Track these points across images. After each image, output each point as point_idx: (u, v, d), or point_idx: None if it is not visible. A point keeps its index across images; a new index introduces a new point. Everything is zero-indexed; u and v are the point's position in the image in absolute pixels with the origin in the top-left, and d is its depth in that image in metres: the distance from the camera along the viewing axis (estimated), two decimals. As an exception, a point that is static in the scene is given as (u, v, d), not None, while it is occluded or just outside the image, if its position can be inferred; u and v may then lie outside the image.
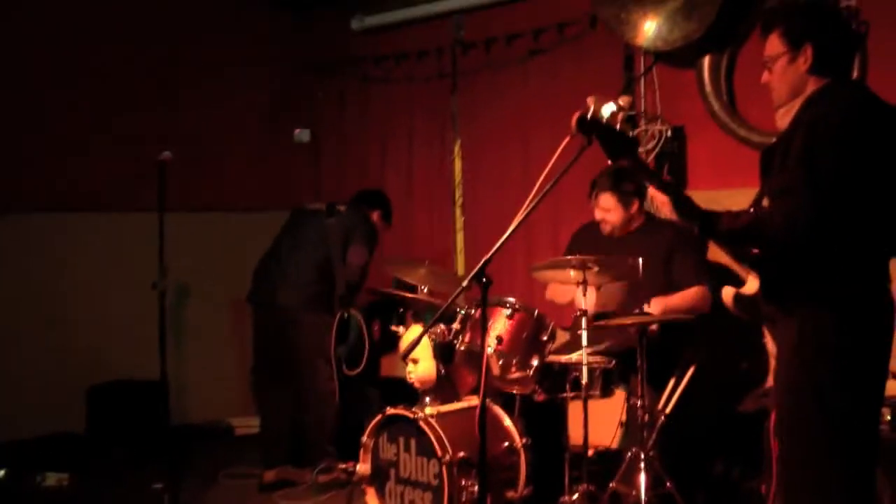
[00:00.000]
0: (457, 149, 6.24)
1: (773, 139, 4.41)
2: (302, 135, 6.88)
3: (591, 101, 2.88)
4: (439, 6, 6.13)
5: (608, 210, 4.49)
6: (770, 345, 4.27)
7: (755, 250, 2.97)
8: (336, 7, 6.68)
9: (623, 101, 2.93)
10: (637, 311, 4.19)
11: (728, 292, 3.09)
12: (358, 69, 6.62)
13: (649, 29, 4.87)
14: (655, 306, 4.19)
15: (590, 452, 4.13)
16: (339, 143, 6.79)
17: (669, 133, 5.06)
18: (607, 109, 2.88)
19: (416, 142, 6.37)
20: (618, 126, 2.89)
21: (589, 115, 2.85)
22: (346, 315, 5.18)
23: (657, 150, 5.06)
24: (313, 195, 6.79)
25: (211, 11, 6.45)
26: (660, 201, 2.96)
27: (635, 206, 4.50)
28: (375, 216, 5.38)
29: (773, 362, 3.72)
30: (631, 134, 2.94)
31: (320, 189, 6.88)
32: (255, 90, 6.71)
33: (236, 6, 6.53)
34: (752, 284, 3.06)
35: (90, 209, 5.93)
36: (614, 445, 4.41)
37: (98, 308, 5.95)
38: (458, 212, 6.26)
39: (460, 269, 6.15)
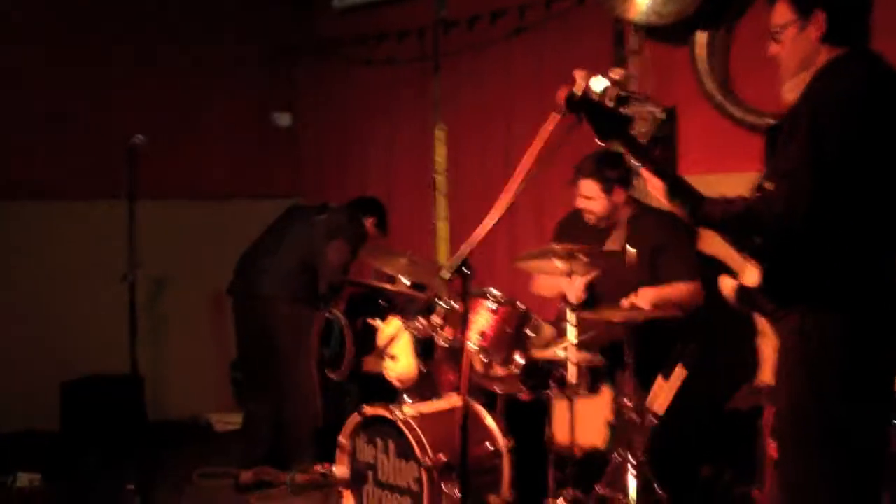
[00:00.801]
0: (439, 133, 6.01)
1: (771, 120, 4.24)
2: (281, 118, 6.70)
3: (579, 75, 2.65)
4: (423, -19, 5.90)
5: (590, 198, 4.24)
6: (771, 338, 4.06)
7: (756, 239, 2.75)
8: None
9: (616, 73, 2.70)
10: (625, 302, 3.96)
11: (728, 283, 2.86)
12: (339, 50, 6.38)
13: (641, 2, 4.63)
14: (643, 297, 3.97)
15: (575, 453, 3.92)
16: (319, 128, 6.57)
17: (662, 114, 4.80)
18: (597, 84, 2.64)
19: (397, 126, 6.15)
20: (609, 102, 2.65)
21: (579, 92, 2.61)
22: (328, 316, 4.96)
23: (652, 132, 4.81)
24: (291, 181, 6.58)
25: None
26: (653, 186, 2.74)
27: (620, 195, 4.25)
28: (369, 222, 5.17)
29: (772, 356, 3.52)
30: (623, 111, 2.69)
31: (299, 175, 6.68)
32: (232, 71, 6.46)
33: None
34: (752, 275, 2.84)
35: (60, 197, 5.69)
36: (601, 446, 4.21)
37: (71, 300, 5.74)
38: (440, 200, 6.03)
39: (443, 259, 5.93)
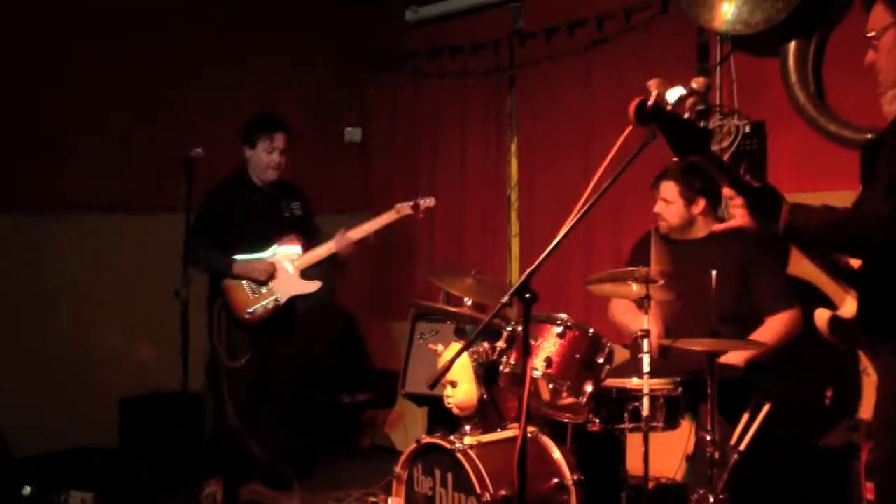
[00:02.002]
0: (513, 148, 5.80)
1: (869, 135, 3.92)
2: (353, 134, 6.56)
3: (653, 84, 2.41)
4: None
5: (668, 202, 4.00)
6: (872, 373, 3.75)
7: (852, 259, 2.47)
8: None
9: (696, 83, 2.45)
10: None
11: (822, 315, 2.59)
12: (411, 64, 6.25)
13: (727, 10, 4.38)
14: (736, 358, 3.70)
15: (650, 486, 3.63)
16: (390, 142, 6.43)
17: (748, 129, 4.55)
18: (673, 95, 2.39)
19: (470, 141, 5.97)
20: (686, 114, 2.40)
21: (650, 102, 2.36)
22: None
23: (733, 148, 4.54)
24: (361, 196, 6.42)
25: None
26: (737, 204, 2.48)
27: (700, 206, 3.99)
28: (247, 153, 4.81)
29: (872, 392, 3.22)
30: (703, 125, 2.43)
31: (369, 190, 6.52)
32: (302, 85, 6.33)
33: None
34: (850, 306, 2.55)
35: (124, 210, 5.58)
36: (679, 478, 3.92)
37: (132, 315, 5.61)
38: (513, 216, 5.82)
39: (514, 279, 5.70)
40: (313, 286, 4.79)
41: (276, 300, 4.74)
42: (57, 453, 5.29)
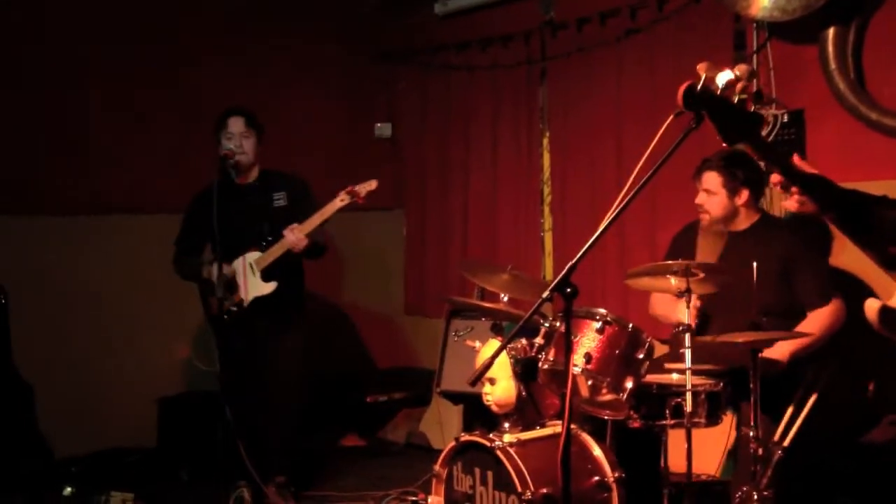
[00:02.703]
0: (545, 142, 5.75)
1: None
2: (383, 129, 6.54)
3: (702, 68, 2.33)
4: (528, -17, 5.66)
5: (711, 193, 3.92)
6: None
7: None
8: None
9: (739, 70, 2.38)
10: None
11: (872, 305, 2.51)
12: (441, 58, 6.20)
13: (765, -3, 4.29)
14: (780, 351, 3.64)
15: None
16: (421, 137, 6.39)
17: (786, 118, 4.46)
18: (723, 78, 2.33)
19: (501, 135, 5.90)
20: (736, 99, 2.33)
21: (700, 86, 2.30)
22: None
23: (771, 137, 4.46)
24: (393, 193, 6.39)
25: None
26: (796, 191, 2.42)
27: (743, 198, 3.91)
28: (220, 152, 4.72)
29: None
30: (753, 108, 2.36)
31: (401, 186, 6.50)
32: (332, 81, 6.34)
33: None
34: (902, 294, 2.49)
35: (161, 211, 5.57)
36: (718, 475, 3.87)
37: (171, 315, 5.62)
38: (546, 211, 5.77)
39: (548, 274, 5.66)
40: (270, 287, 4.71)
41: (241, 302, 4.72)
42: (97, 454, 5.35)
